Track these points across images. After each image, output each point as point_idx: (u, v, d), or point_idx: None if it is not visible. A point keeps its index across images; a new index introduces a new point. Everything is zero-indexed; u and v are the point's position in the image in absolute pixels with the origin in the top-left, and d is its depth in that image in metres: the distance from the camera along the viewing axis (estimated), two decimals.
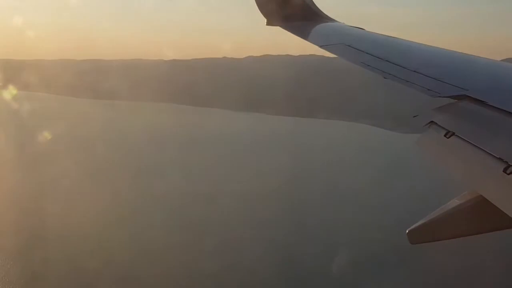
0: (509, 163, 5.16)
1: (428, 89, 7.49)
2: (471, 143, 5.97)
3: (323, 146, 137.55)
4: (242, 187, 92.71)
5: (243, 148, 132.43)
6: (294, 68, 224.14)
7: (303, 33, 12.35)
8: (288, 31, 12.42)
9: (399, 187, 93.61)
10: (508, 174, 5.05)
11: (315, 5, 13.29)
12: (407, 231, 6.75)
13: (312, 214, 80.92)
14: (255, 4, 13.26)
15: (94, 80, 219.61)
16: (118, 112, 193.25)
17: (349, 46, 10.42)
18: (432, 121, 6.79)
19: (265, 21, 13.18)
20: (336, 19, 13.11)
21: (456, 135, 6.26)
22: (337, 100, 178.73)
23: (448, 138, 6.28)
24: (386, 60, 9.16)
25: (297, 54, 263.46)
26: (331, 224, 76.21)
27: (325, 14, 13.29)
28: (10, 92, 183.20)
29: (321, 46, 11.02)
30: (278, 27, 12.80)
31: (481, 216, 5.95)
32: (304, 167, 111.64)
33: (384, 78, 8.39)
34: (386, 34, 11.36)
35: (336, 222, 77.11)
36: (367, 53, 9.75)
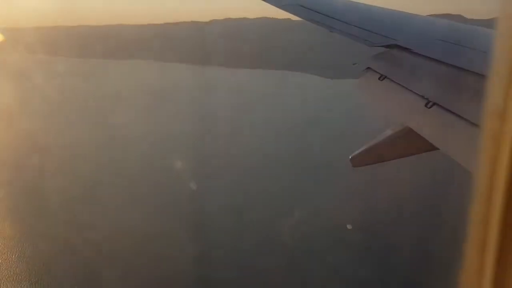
0: (429, 99, 5.17)
1: (365, 40, 7.41)
2: (399, 84, 5.98)
3: (277, 91, 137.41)
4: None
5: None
6: (251, 28, 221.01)
7: None
8: None
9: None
10: (429, 108, 5.06)
11: None
12: (350, 157, 6.84)
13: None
14: None
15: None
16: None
17: (301, 6, 10.20)
18: (368, 67, 6.76)
19: None
20: None
21: (388, 78, 6.25)
22: (289, 53, 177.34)
23: (381, 80, 6.28)
24: (331, 17, 8.99)
25: (254, 17, 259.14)
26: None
27: None
28: None
29: (279, 7, 10.78)
30: None
31: (408, 142, 6.02)
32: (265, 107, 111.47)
33: (330, 31, 8.24)
34: None
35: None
36: (316, 11, 9.55)
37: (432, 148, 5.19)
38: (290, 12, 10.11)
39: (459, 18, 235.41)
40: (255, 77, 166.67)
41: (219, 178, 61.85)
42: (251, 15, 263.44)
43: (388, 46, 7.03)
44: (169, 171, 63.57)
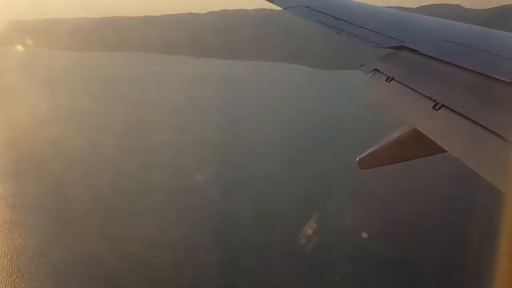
0: (437, 101, 5.19)
1: (373, 41, 7.45)
2: (407, 85, 6.01)
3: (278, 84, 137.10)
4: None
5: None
6: (248, 20, 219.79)
7: None
8: None
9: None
10: (437, 110, 5.09)
11: None
12: (357, 159, 6.90)
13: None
14: None
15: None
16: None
17: (307, 7, 10.17)
18: (376, 69, 6.80)
19: None
20: None
21: (395, 79, 6.29)
22: (285, 45, 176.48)
23: (388, 82, 6.31)
24: (338, 19, 9.00)
25: (251, 9, 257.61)
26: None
27: None
28: None
29: (284, 8, 10.76)
30: None
31: (415, 145, 6.06)
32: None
33: (337, 33, 8.26)
34: None
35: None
36: (322, 13, 9.55)
37: (441, 150, 5.21)
38: (296, 14, 10.08)
39: (457, 7, 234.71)
40: (249, 68, 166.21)
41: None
42: (249, 6, 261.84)
43: (395, 48, 7.05)
44: None
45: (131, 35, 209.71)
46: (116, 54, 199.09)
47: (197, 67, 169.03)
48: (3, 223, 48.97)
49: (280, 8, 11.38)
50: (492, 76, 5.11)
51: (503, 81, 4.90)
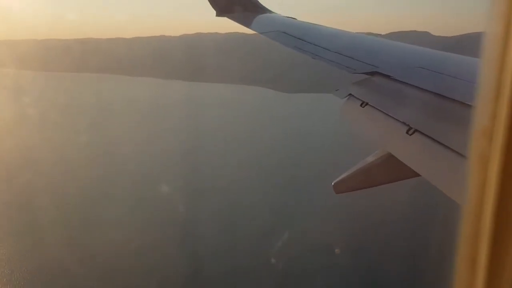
0: (410, 125, 5.30)
1: (347, 67, 7.58)
2: (381, 110, 6.12)
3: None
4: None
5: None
6: (221, 43, 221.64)
7: (246, 23, 12.21)
8: (234, 21, 12.35)
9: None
10: (410, 134, 5.18)
11: None
12: (332, 183, 6.93)
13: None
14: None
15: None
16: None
17: (284, 33, 10.37)
18: (350, 94, 6.91)
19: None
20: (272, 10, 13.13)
21: (369, 104, 6.39)
22: (253, 68, 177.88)
23: (363, 107, 6.41)
24: (314, 44, 9.15)
25: (224, 32, 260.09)
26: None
27: (263, 6, 13.22)
28: None
29: (261, 33, 10.93)
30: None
31: (389, 169, 6.13)
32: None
33: (313, 58, 8.40)
34: (313, 23, 11.48)
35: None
36: (298, 38, 9.73)
37: (414, 174, 5.29)
38: (273, 39, 10.23)
39: (425, 34, 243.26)
40: (215, 90, 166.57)
41: None
42: (222, 30, 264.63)
43: (369, 73, 7.21)
44: None
45: (100, 57, 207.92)
46: (83, 75, 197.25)
47: (161, 89, 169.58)
48: None
49: (252, 32, 11.59)
50: (462, 101, 5.26)
51: (472, 106, 5.03)
